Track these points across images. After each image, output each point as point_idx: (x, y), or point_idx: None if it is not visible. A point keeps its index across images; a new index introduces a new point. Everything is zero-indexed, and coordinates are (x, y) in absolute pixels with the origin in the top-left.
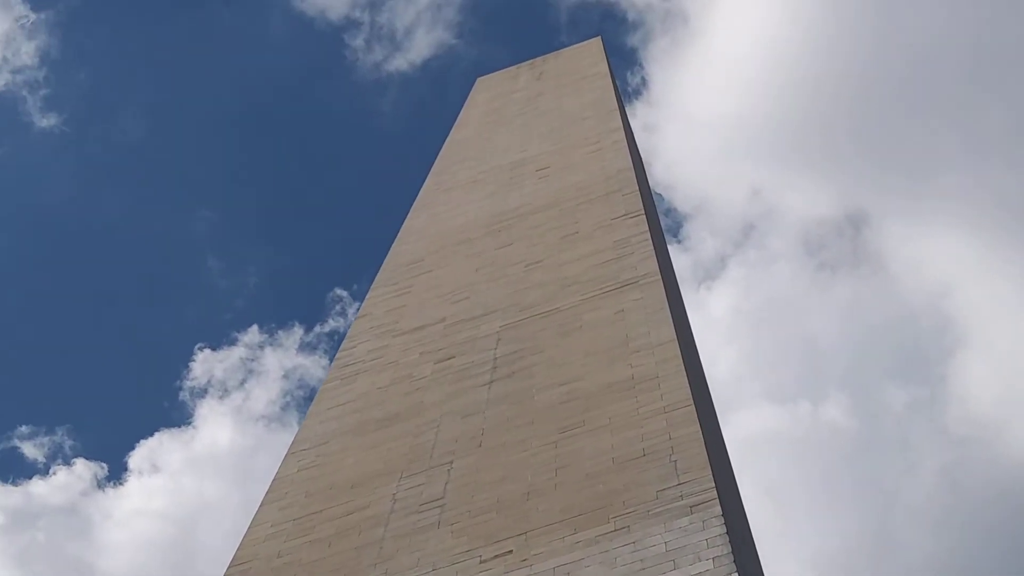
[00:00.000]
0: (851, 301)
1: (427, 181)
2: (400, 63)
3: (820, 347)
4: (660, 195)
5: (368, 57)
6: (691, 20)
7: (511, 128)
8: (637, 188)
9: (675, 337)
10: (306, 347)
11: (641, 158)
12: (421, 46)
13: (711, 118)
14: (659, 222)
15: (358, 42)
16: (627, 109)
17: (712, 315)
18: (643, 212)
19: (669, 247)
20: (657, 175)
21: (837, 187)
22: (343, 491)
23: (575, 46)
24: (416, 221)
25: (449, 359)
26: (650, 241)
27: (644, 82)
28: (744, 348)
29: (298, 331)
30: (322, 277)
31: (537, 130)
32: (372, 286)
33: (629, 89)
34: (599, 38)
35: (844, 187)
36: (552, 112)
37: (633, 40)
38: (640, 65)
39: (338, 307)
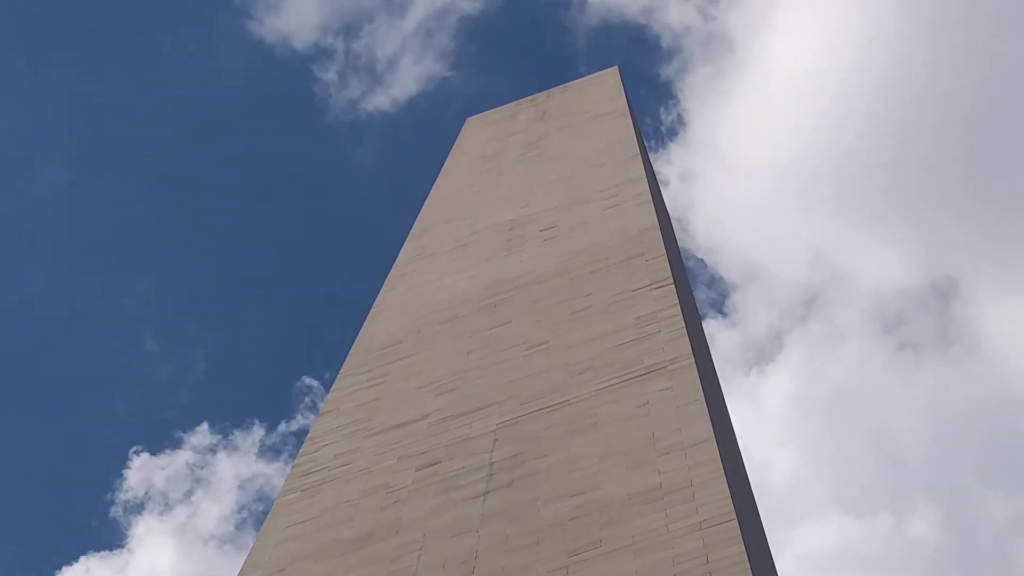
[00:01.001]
0: (939, 389)
1: (406, 245)
2: (381, 100)
3: (902, 446)
4: (701, 260)
5: (342, 93)
6: (738, 46)
7: (508, 179)
8: (664, 252)
9: (712, 435)
10: (268, 450)
11: (669, 215)
12: (407, 80)
13: (764, 164)
14: (692, 294)
15: (330, 75)
16: (661, 153)
17: (766, 406)
18: (672, 281)
19: (713, 322)
20: (697, 235)
21: (920, 249)
22: None
23: (586, 78)
24: (392, 295)
25: (434, 465)
26: (681, 317)
27: (681, 120)
28: (807, 447)
29: (258, 431)
30: (287, 363)
31: (540, 181)
32: (339, 375)
33: (663, 129)
34: (616, 68)
35: (928, 249)
36: (559, 159)
37: (668, 71)
38: (676, 100)
39: (307, 400)
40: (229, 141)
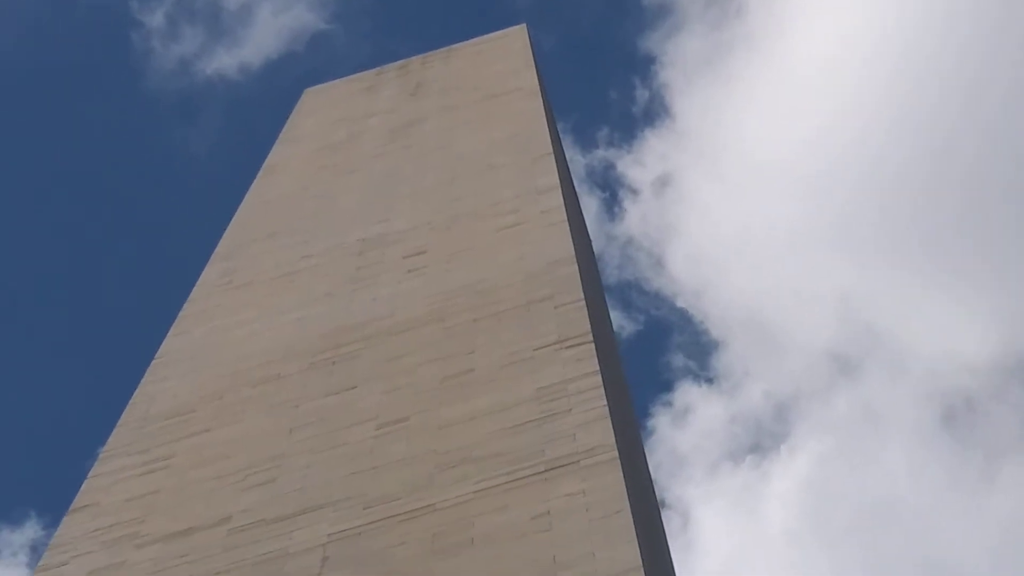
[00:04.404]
0: (1019, 508)
1: (207, 270)
2: (226, 62)
3: None
4: (684, 310)
5: (171, 49)
6: (754, 7)
7: (362, 180)
8: (583, 296)
9: (640, 563)
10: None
11: (590, 240)
12: (265, 34)
13: (778, 174)
14: (619, 357)
15: (155, 21)
16: (629, 148)
17: (763, 516)
18: (591, 338)
19: (694, 388)
20: (675, 272)
21: (1001, 309)
22: None
23: (481, 39)
24: (184, 342)
25: None
26: (602, 390)
27: (661, 102)
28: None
29: (32, 528)
30: (75, 436)
31: (408, 186)
32: (101, 455)
33: (635, 111)
34: (523, 27)
35: (1014, 311)
36: (436, 155)
37: (650, 38)
38: (655, 72)
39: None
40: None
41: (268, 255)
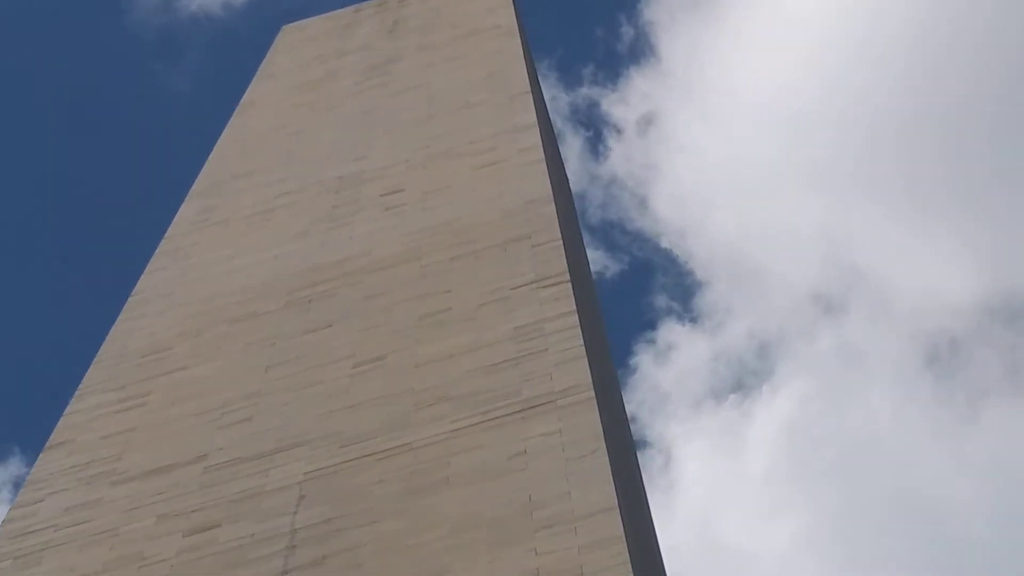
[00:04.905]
0: (1005, 452)
1: (184, 207)
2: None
3: (947, 520)
4: (668, 250)
5: None
6: None
7: (339, 118)
8: (559, 235)
9: (616, 503)
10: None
11: (568, 180)
12: None
13: (765, 114)
14: (596, 296)
15: None
16: (614, 88)
17: (745, 461)
18: (568, 278)
19: (678, 327)
20: (659, 211)
21: (986, 250)
22: None
23: None
24: (161, 278)
25: (210, 529)
26: (578, 330)
27: (646, 40)
28: (803, 524)
29: (16, 464)
30: (29, 374)
31: (385, 124)
32: (77, 392)
33: (620, 49)
34: None
35: (998, 251)
36: (413, 92)
37: None
38: (640, 8)
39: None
40: None
41: (245, 192)
